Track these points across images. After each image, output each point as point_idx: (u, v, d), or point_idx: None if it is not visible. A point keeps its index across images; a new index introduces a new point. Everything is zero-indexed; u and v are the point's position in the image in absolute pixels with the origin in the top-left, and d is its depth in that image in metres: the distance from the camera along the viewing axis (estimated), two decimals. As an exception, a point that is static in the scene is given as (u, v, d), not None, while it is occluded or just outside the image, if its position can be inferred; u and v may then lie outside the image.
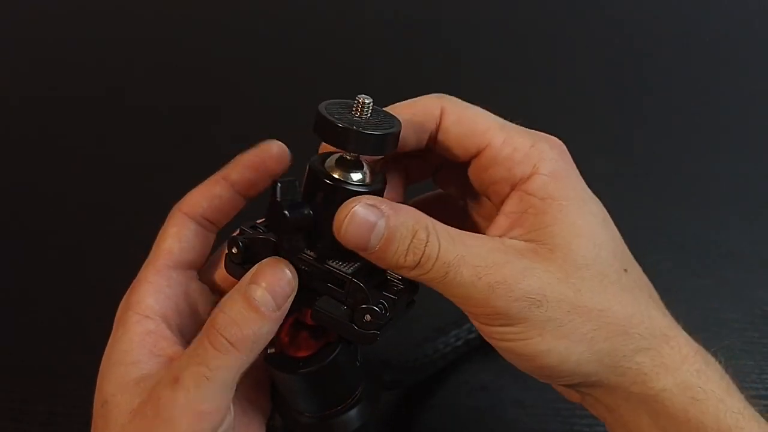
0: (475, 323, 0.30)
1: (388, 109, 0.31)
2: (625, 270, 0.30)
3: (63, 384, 0.47)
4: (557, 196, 0.29)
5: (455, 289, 0.28)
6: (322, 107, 0.29)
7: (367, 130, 0.28)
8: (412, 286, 0.31)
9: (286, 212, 0.28)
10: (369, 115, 0.29)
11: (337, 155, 0.30)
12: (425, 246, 0.27)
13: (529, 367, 0.29)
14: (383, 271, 0.31)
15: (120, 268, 0.54)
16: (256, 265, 0.30)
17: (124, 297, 0.33)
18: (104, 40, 0.76)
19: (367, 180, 0.30)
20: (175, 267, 0.33)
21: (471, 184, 0.33)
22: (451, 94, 0.33)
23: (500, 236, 0.29)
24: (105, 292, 0.52)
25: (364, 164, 0.30)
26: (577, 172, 0.31)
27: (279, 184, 0.29)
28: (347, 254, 0.30)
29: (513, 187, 0.30)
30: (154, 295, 0.32)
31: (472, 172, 0.32)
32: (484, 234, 0.30)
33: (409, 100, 0.32)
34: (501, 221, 0.30)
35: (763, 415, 0.29)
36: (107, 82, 0.71)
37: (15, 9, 0.79)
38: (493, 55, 0.72)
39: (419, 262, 0.27)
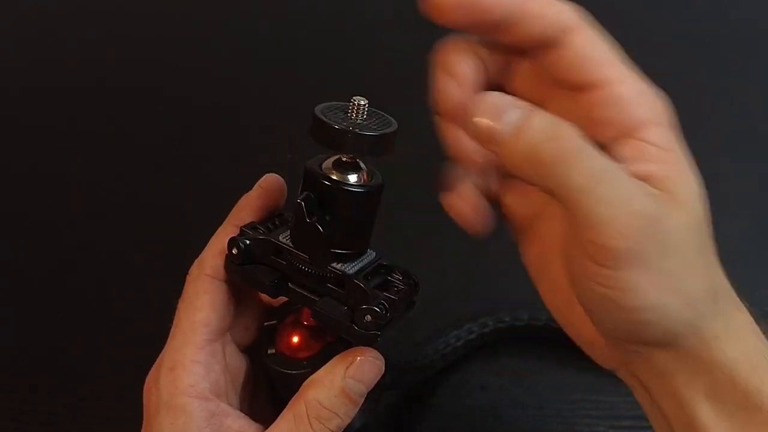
0: (578, 258, 0.27)
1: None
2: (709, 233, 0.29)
3: (63, 384, 0.47)
4: (676, 149, 0.28)
5: (602, 207, 0.25)
6: (317, 110, 0.29)
7: (363, 131, 0.28)
8: (413, 286, 0.31)
9: (320, 229, 0.28)
10: (365, 116, 0.29)
11: (334, 158, 0.30)
12: (575, 141, 0.26)
13: (621, 319, 0.27)
14: (384, 272, 0.32)
15: (119, 269, 0.54)
16: (355, 357, 0.30)
17: (165, 375, 0.31)
18: (105, 38, 0.76)
19: (364, 180, 0.30)
20: (215, 339, 0.32)
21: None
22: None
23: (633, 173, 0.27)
24: (105, 292, 0.53)
25: (361, 164, 0.30)
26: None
27: (304, 204, 0.29)
28: (348, 256, 0.30)
29: (625, 133, 0.28)
30: (206, 376, 0.31)
31: (577, 106, 0.29)
32: None
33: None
34: (632, 157, 0.28)
35: None
36: (108, 81, 0.71)
37: (17, 7, 0.79)
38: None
39: (565, 156, 0.25)
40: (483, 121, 0.26)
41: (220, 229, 0.34)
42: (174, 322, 0.33)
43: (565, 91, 0.29)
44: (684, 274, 0.27)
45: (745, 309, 0.30)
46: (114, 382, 0.47)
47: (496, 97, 0.27)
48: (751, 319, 0.30)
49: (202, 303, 0.32)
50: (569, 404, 0.46)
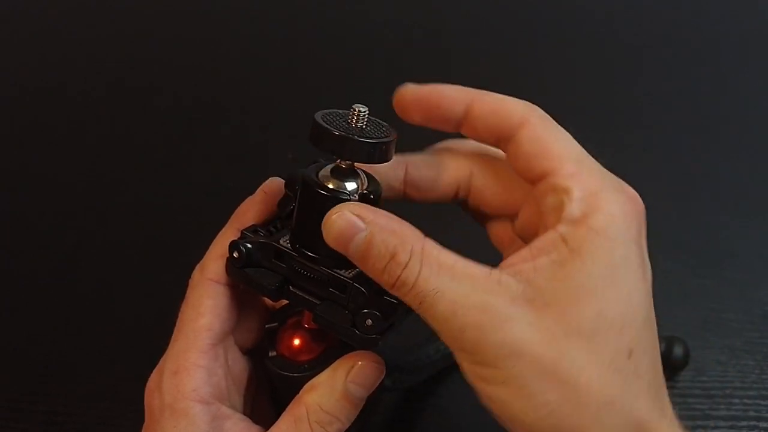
0: (454, 352, 0.28)
1: (476, 92, 0.30)
2: (630, 352, 0.27)
3: (63, 384, 0.47)
4: (587, 256, 0.26)
5: (428, 319, 0.27)
6: (318, 116, 0.29)
7: (362, 138, 0.28)
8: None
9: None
10: (365, 124, 0.29)
11: (332, 165, 0.30)
12: (402, 270, 0.26)
13: (487, 406, 0.28)
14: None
15: (120, 269, 0.54)
16: (356, 361, 0.30)
17: (168, 379, 0.31)
18: (105, 38, 0.76)
19: (362, 188, 0.30)
20: (218, 343, 0.32)
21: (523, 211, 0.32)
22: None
23: (511, 266, 0.27)
24: (105, 293, 0.53)
25: (360, 172, 0.30)
26: (635, 237, 0.28)
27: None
28: (348, 260, 0.30)
29: (558, 222, 0.28)
30: (209, 380, 0.31)
31: (534, 194, 0.30)
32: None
33: (499, 96, 0.30)
34: (523, 252, 0.28)
35: None
36: (108, 81, 0.71)
37: (17, 7, 0.79)
38: (492, 55, 0.72)
39: (394, 284, 0.27)
40: (338, 243, 0.28)
41: (221, 232, 0.34)
42: (177, 325, 0.33)
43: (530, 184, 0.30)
44: (535, 382, 0.26)
45: (663, 428, 0.27)
46: (113, 382, 0.46)
47: (348, 216, 0.27)
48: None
49: (205, 308, 0.32)
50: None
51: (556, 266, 0.26)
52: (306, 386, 0.31)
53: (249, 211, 0.33)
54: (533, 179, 0.30)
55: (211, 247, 0.33)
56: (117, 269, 0.54)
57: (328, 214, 0.28)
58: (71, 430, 0.45)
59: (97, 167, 0.62)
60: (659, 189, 0.59)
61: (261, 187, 0.34)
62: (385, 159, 0.29)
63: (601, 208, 0.27)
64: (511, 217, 0.33)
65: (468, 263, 0.27)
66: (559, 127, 0.30)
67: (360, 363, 0.30)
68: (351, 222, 0.27)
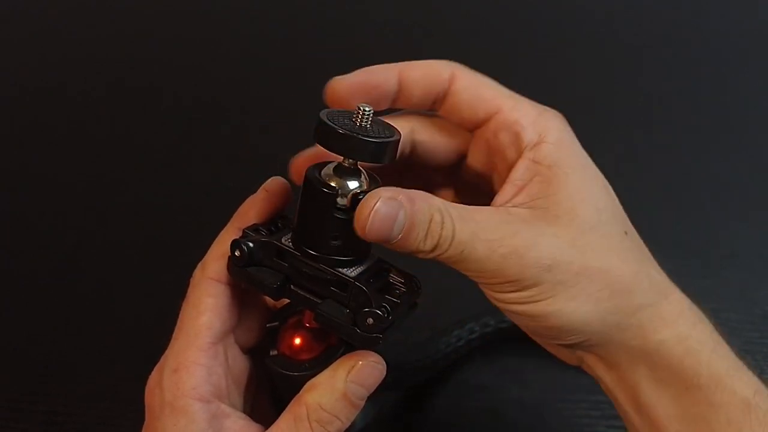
0: (487, 292, 0.31)
1: (401, 64, 0.33)
2: (626, 232, 0.31)
3: (63, 384, 0.47)
4: (562, 164, 0.30)
5: (471, 264, 0.29)
6: (323, 114, 0.29)
7: (366, 137, 0.28)
8: (414, 289, 0.31)
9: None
10: (369, 123, 0.29)
11: (335, 163, 0.30)
12: (441, 228, 0.28)
13: (538, 327, 0.31)
14: (386, 274, 0.32)
15: (120, 269, 0.54)
16: (357, 361, 0.30)
17: (168, 377, 0.31)
18: (105, 39, 0.76)
19: (365, 187, 0.30)
20: (218, 341, 0.32)
21: (461, 177, 0.35)
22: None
23: (506, 203, 0.31)
24: (105, 293, 0.53)
25: (362, 171, 0.30)
26: (577, 140, 0.32)
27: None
28: (349, 259, 0.30)
29: (520, 155, 0.31)
30: (208, 378, 0.31)
31: (478, 141, 0.33)
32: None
33: (422, 61, 0.33)
34: (508, 189, 0.31)
35: (751, 366, 0.31)
36: (108, 81, 0.71)
37: (17, 7, 0.79)
38: (492, 55, 0.72)
39: (437, 244, 0.28)
40: (380, 235, 0.28)
41: (223, 231, 0.34)
42: (177, 324, 0.33)
43: (471, 133, 0.34)
44: (580, 281, 0.29)
45: (677, 293, 0.31)
46: (113, 382, 0.47)
47: (387, 205, 0.28)
48: (684, 302, 0.31)
49: (206, 306, 0.32)
50: (569, 404, 0.46)
51: (545, 185, 0.30)
52: (306, 385, 0.31)
53: (251, 210, 0.33)
54: (476, 124, 0.33)
55: (212, 246, 0.33)
56: (117, 269, 0.54)
57: (365, 205, 0.28)
58: (71, 430, 0.45)
59: (97, 167, 0.62)
60: (659, 189, 0.59)
61: (263, 185, 0.34)
62: (389, 159, 0.29)
63: (549, 126, 0.31)
64: (452, 165, 0.35)
65: (476, 207, 0.30)
66: (479, 73, 0.33)
67: (361, 363, 0.30)
68: (391, 209, 0.28)
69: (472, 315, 0.47)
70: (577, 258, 0.29)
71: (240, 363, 0.34)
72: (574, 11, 0.79)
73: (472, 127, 0.33)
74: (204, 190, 0.59)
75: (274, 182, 0.34)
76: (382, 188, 0.29)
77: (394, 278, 0.32)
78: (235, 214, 0.34)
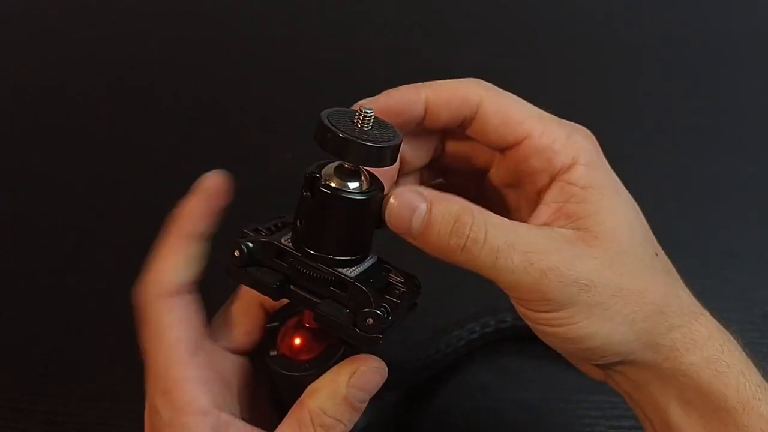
0: (521, 309, 0.31)
1: (428, 85, 0.32)
2: (656, 254, 0.31)
3: (63, 384, 0.47)
4: (596, 185, 0.30)
5: (506, 275, 0.28)
6: (324, 115, 0.29)
7: (367, 141, 0.28)
8: (414, 289, 0.31)
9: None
10: (370, 126, 0.29)
11: (336, 163, 0.30)
12: (470, 230, 0.28)
13: (573, 349, 0.30)
14: (386, 275, 0.32)
15: (120, 269, 0.54)
16: (358, 367, 0.30)
17: (160, 399, 0.31)
18: (105, 39, 0.76)
19: (364, 188, 0.30)
20: (196, 351, 0.31)
21: (485, 186, 0.35)
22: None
23: (543, 224, 0.31)
24: (105, 293, 0.53)
25: (362, 172, 0.30)
26: (605, 160, 0.32)
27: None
28: (349, 258, 0.30)
29: (553, 178, 0.31)
30: (201, 389, 0.31)
31: (507, 162, 0.33)
32: None
33: (450, 81, 0.32)
34: (542, 211, 0.31)
35: None
36: (108, 81, 0.71)
37: (17, 7, 0.79)
38: (492, 55, 0.72)
39: (464, 245, 0.28)
40: (398, 223, 0.29)
41: (161, 244, 0.32)
42: (145, 349, 0.32)
43: (499, 153, 0.34)
44: (616, 302, 0.29)
45: (706, 314, 0.31)
46: (113, 382, 0.47)
47: (407, 194, 0.29)
48: (713, 324, 0.31)
49: (169, 322, 0.31)
50: (569, 404, 0.46)
51: (581, 205, 0.30)
52: (308, 390, 0.31)
53: (190, 217, 0.32)
54: (506, 147, 0.32)
55: (154, 260, 0.32)
56: (117, 269, 0.54)
57: (387, 199, 0.29)
58: (71, 430, 0.45)
59: (97, 167, 0.62)
60: (659, 189, 0.59)
61: (198, 184, 0.33)
62: (388, 162, 0.29)
63: (580, 148, 0.31)
64: (476, 175, 0.35)
65: (519, 222, 0.30)
66: (507, 92, 0.33)
67: (362, 368, 0.30)
68: (410, 198, 0.29)
69: (472, 315, 0.47)
70: (614, 280, 0.29)
71: (228, 367, 0.33)
72: (574, 11, 0.79)
73: (499, 150, 0.33)
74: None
75: (209, 180, 0.33)
76: (405, 186, 0.29)
77: (394, 278, 0.32)
78: (172, 224, 0.32)
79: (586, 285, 0.28)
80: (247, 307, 0.35)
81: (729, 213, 0.58)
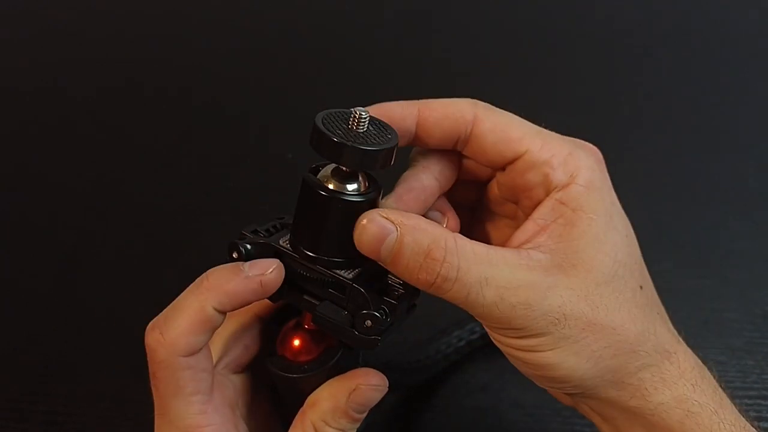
0: (490, 332, 0.30)
1: (421, 102, 0.31)
2: (641, 287, 0.30)
3: (63, 384, 0.47)
4: (588, 209, 0.29)
5: (476, 309, 0.28)
6: (318, 118, 0.29)
7: (361, 144, 0.28)
8: (413, 290, 0.31)
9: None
10: (365, 128, 0.29)
11: (333, 165, 0.30)
12: (441, 266, 0.27)
13: (535, 375, 0.30)
14: (384, 276, 0.32)
15: (120, 269, 0.54)
16: (357, 385, 0.31)
17: None
18: (106, 39, 0.76)
19: (362, 189, 0.30)
20: (210, 395, 0.31)
21: (487, 194, 0.34)
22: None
23: (526, 241, 0.30)
24: (105, 293, 0.53)
25: (360, 173, 0.30)
26: (610, 182, 0.31)
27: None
28: (348, 261, 0.30)
29: (548, 194, 0.30)
30: (222, 429, 0.31)
31: (504, 178, 0.32)
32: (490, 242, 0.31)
33: (444, 100, 0.32)
34: (529, 227, 0.30)
35: (754, 425, 0.31)
36: (108, 82, 0.71)
37: (17, 8, 0.79)
38: (493, 56, 0.72)
39: (434, 282, 0.28)
40: (368, 248, 0.28)
41: (182, 298, 0.30)
42: (157, 404, 0.31)
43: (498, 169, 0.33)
44: (586, 337, 0.28)
45: (681, 351, 0.31)
46: (113, 382, 0.46)
47: (378, 219, 0.28)
48: (688, 362, 0.31)
49: (184, 380, 0.30)
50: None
51: (567, 228, 0.29)
52: (309, 401, 0.31)
53: (228, 293, 0.29)
54: (503, 164, 0.31)
55: (173, 314, 0.30)
56: (117, 269, 0.54)
57: (358, 220, 0.28)
58: (71, 430, 0.45)
59: (97, 167, 0.62)
60: (659, 189, 0.59)
61: (260, 275, 0.30)
62: (383, 166, 0.29)
63: (580, 166, 0.30)
64: (477, 184, 0.35)
65: (497, 249, 0.29)
66: (503, 110, 0.32)
67: (362, 387, 0.31)
68: (381, 225, 0.28)
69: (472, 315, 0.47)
70: (587, 313, 0.28)
71: (233, 388, 0.34)
72: (574, 11, 0.79)
73: (498, 167, 0.32)
74: (204, 190, 0.59)
75: (274, 275, 0.30)
76: (382, 209, 0.29)
77: (393, 280, 0.32)
78: (207, 282, 0.30)
79: (557, 319, 0.28)
80: (244, 324, 0.34)
81: (729, 213, 0.58)
